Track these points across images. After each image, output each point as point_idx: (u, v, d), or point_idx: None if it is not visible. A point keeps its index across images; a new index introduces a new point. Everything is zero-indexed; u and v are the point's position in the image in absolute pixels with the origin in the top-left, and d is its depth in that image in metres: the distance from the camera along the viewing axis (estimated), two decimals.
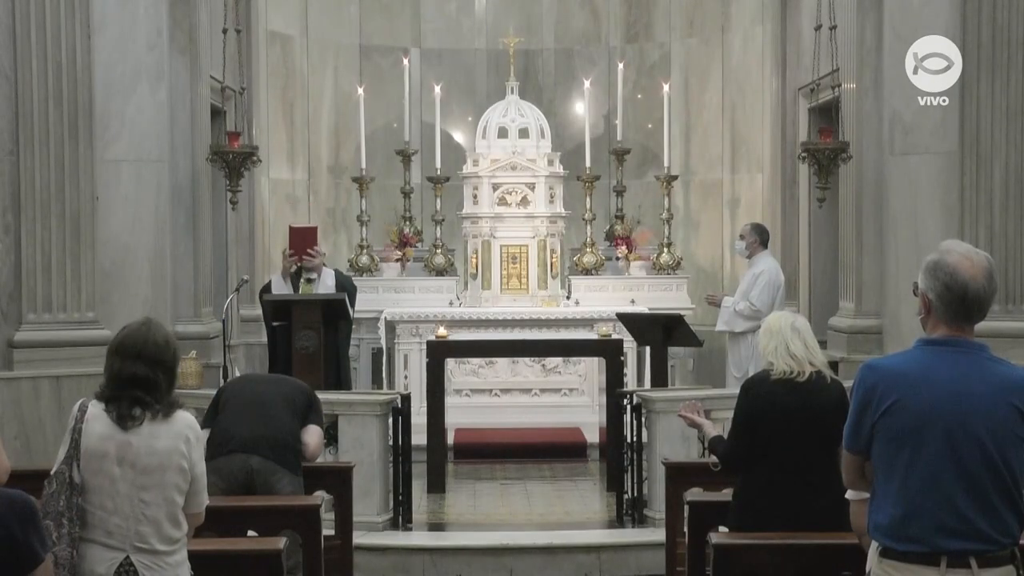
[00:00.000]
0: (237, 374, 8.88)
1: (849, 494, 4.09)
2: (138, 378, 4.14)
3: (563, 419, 11.46)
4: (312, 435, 6.31)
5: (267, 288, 9.54)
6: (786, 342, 5.28)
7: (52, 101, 8.02)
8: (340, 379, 9.54)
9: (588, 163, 12.29)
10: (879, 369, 3.76)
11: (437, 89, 12.51)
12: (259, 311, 9.87)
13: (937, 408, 3.62)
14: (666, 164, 12.36)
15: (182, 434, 4.17)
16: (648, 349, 10.40)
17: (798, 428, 5.22)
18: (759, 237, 10.02)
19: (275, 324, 9.24)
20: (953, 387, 3.63)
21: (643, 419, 8.29)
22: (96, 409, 4.16)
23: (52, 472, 4.11)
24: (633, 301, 11.90)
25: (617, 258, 12.41)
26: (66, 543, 4.01)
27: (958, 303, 3.66)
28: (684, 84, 13.36)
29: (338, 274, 9.89)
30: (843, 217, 9.54)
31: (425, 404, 9.60)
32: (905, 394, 3.65)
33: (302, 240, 9.30)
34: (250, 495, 6.01)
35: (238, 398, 6.33)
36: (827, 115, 9.67)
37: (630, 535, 7.99)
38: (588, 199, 12.35)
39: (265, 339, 9.84)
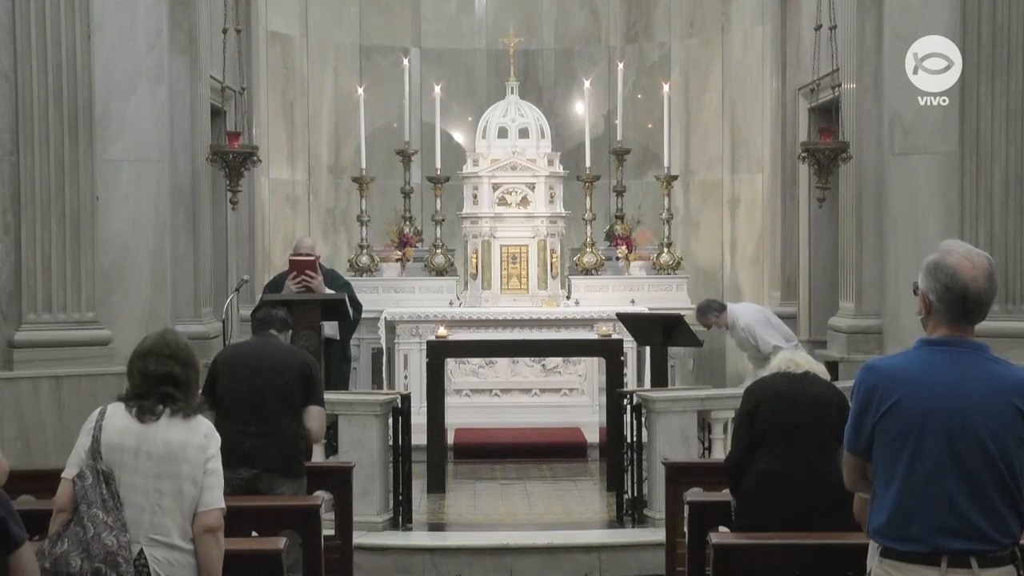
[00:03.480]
0: None
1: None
2: (173, 376, 4.26)
3: (563, 419, 11.45)
4: (313, 419, 6.29)
5: (259, 307, 9.59)
6: (788, 357, 5.69)
7: (52, 101, 8.01)
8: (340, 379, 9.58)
9: (588, 163, 12.29)
10: (879, 370, 3.76)
11: (437, 89, 12.51)
12: None
13: (938, 408, 3.63)
14: (666, 164, 12.36)
15: (199, 431, 4.25)
16: (648, 349, 10.40)
17: (796, 415, 5.34)
18: (714, 311, 9.67)
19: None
20: (953, 387, 3.64)
21: (643, 419, 8.29)
22: (116, 409, 4.26)
23: (73, 474, 4.16)
24: (633, 301, 11.90)
25: (617, 258, 12.41)
26: (119, 529, 4.08)
27: (959, 304, 3.66)
28: (684, 84, 13.36)
29: (334, 275, 9.94)
30: (843, 217, 9.54)
31: (425, 404, 9.60)
32: (906, 394, 3.66)
33: (301, 268, 9.28)
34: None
35: (236, 395, 6.25)
36: (827, 115, 9.67)
37: (630, 535, 7.99)
38: (588, 199, 12.35)
39: None
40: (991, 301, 3.72)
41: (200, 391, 4.46)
